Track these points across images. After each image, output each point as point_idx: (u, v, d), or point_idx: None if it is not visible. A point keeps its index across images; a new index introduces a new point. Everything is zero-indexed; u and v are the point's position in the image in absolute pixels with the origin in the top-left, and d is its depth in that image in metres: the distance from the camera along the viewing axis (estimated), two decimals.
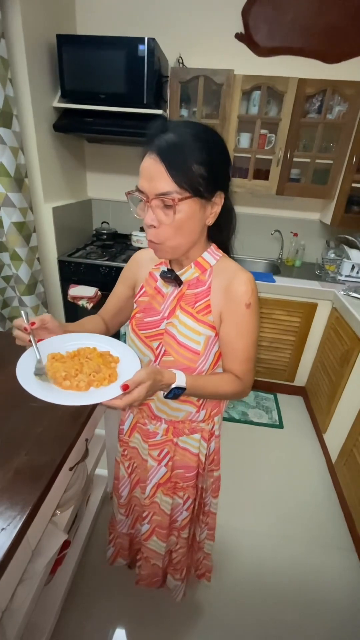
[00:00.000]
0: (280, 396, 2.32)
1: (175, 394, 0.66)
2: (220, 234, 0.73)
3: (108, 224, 2.41)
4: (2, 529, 0.60)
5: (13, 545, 0.59)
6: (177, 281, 0.72)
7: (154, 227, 0.61)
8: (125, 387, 0.56)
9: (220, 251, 0.74)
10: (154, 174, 0.57)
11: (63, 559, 1.12)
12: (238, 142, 1.97)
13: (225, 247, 0.76)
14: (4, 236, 1.79)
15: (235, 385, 0.73)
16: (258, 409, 2.19)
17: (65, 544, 1.10)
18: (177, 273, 0.72)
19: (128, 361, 0.64)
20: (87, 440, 0.94)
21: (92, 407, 0.92)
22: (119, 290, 0.87)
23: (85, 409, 0.89)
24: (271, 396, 2.31)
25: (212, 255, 0.72)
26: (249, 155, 1.96)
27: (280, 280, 1.99)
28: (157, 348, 0.75)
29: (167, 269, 0.74)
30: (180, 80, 1.82)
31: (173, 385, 0.65)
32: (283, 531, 1.48)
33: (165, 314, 0.74)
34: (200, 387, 0.69)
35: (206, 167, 0.58)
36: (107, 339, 0.69)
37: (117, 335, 0.90)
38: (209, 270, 0.72)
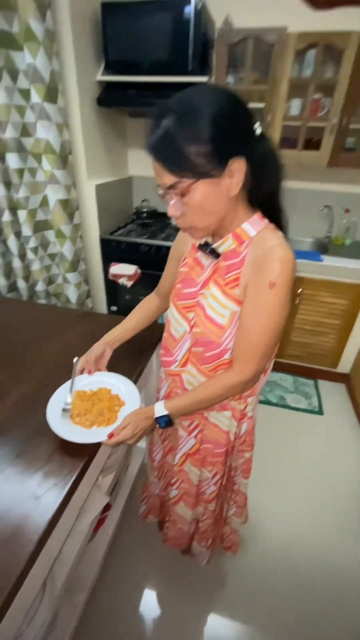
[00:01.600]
0: (321, 382, 2.23)
1: (165, 421, 0.74)
2: (263, 195, 0.66)
3: (148, 201, 2.39)
4: (55, 484, 0.64)
5: (64, 500, 0.62)
6: (213, 254, 0.70)
7: (177, 216, 0.62)
8: (110, 435, 0.70)
9: (266, 221, 0.68)
10: (156, 170, 0.59)
11: (104, 520, 1.19)
12: (288, 110, 1.83)
13: (272, 210, 0.69)
14: (49, 214, 1.84)
15: (225, 383, 0.72)
16: (297, 394, 2.12)
17: (107, 507, 1.16)
18: (214, 245, 0.70)
19: (131, 405, 0.78)
20: None
21: (135, 380, 0.94)
22: (170, 268, 0.89)
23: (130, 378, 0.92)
24: (311, 382, 2.23)
25: (253, 225, 0.66)
26: (298, 124, 1.81)
27: (328, 260, 1.86)
28: (192, 319, 0.75)
29: (204, 242, 0.72)
30: (228, 43, 1.71)
31: (155, 417, 0.74)
32: (316, 518, 1.45)
33: (201, 285, 0.74)
34: (187, 404, 0.75)
35: (207, 143, 0.53)
36: (126, 382, 0.85)
37: None
38: (247, 241, 0.66)
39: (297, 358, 2.19)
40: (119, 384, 0.84)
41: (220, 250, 0.69)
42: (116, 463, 1.08)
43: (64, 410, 0.75)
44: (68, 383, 0.82)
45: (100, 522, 1.15)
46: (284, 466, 1.66)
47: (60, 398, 0.78)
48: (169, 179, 0.57)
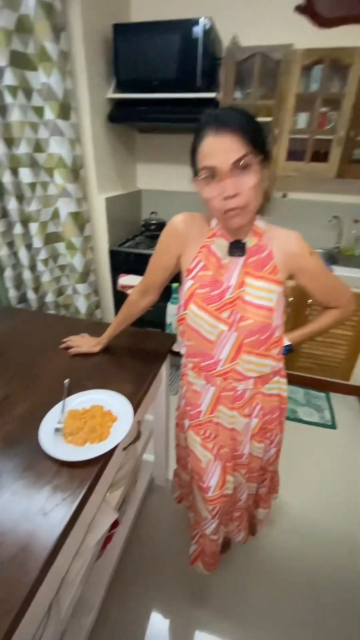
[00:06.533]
0: (333, 395, 2.18)
1: (288, 349, 0.89)
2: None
3: (156, 214, 2.41)
4: (63, 499, 0.62)
5: (73, 516, 0.60)
6: (242, 251, 0.77)
7: (234, 195, 0.65)
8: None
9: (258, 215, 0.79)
10: (225, 144, 0.63)
11: (112, 537, 1.15)
12: (295, 123, 1.85)
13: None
14: (60, 226, 1.87)
15: (344, 315, 0.90)
16: (308, 407, 2.07)
17: (115, 523, 1.13)
18: (245, 241, 0.77)
19: (124, 420, 0.79)
20: (139, 422, 0.95)
21: (145, 390, 0.92)
22: (162, 262, 0.88)
23: (139, 390, 0.90)
24: (323, 395, 2.17)
25: (259, 221, 0.79)
26: (306, 136, 1.83)
27: (338, 270, 1.84)
28: (229, 317, 0.79)
29: (236, 240, 0.77)
30: (235, 61, 1.75)
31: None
32: (331, 533, 1.39)
33: (230, 283, 0.78)
34: (306, 333, 0.93)
35: (260, 135, 0.66)
36: (118, 398, 0.85)
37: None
38: (263, 235, 0.78)
39: (308, 370, 2.14)
40: (111, 401, 0.85)
41: (248, 246, 0.77)
42: (125, 477, 1.05)
43: (57, 429, 0.75)
44: (60, 404, 0.82)
45: (107, 539, 1.11)
46: (296, 482, 1.60)
47: (53, 418, 0.79)
48: (242, 149, 0.62)
